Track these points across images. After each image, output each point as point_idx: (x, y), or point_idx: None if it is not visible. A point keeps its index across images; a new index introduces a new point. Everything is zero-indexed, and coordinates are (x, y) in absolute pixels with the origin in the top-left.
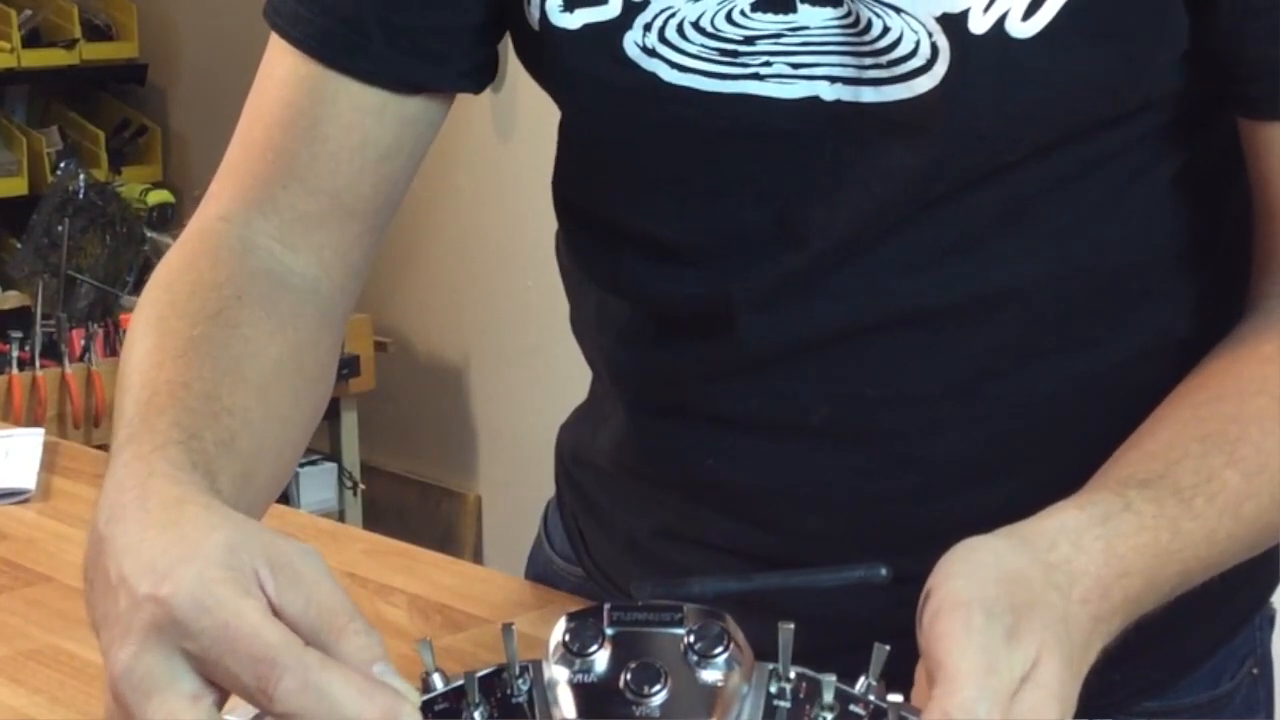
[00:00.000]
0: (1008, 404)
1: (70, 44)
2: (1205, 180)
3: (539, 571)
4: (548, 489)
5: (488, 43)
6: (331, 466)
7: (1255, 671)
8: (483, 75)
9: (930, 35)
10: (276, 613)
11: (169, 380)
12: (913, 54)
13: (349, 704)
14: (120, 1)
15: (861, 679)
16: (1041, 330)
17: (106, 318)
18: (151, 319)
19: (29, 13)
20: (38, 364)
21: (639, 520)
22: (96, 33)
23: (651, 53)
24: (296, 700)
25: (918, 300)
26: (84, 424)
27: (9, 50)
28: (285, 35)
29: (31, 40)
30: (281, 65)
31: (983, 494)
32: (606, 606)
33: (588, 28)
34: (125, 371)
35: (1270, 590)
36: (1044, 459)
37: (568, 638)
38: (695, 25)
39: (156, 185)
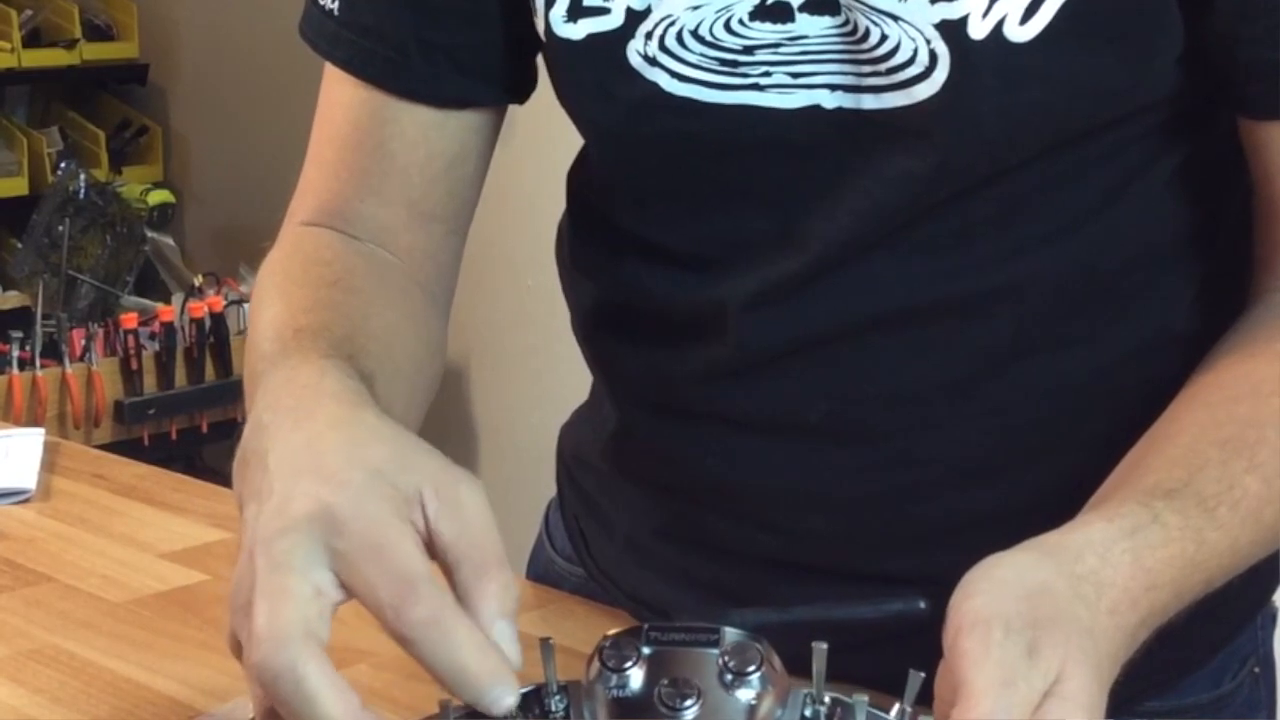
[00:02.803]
0: (1005, 402)
1: (71, 44)
2: (1202, 178)
3: (540, 571)
4: (548, 489)
5: (522, 56)
6: None
7: (1257, 671)
8: (523, 87)
9: (929, 42)
10: (430, 536)
11: (305, 326)
12: (911, 61)
13: (467, 654)
14: (121, 1)
15: (896, 706)
16: (1038, 328)
17: (107, 318)
18: (272, 293)
19: (29, 13)
20: (38, 364)
21: (639, 520)
22: (97, 33)
23: (653, 61)
24: (422, 630)
25: (915, 298)
26: (84, 424)
27: (9, 50)
28: (329, 58)
29: (32, 40)
30: (342, 88)
31: (982, 491)
32: (645, 626)
33: (591, 38)
34: (256, 332)
35: (1272, 589)
36: (1042, 456)
37: (605, 655)
38: (694, 34)
39: (157, 185)
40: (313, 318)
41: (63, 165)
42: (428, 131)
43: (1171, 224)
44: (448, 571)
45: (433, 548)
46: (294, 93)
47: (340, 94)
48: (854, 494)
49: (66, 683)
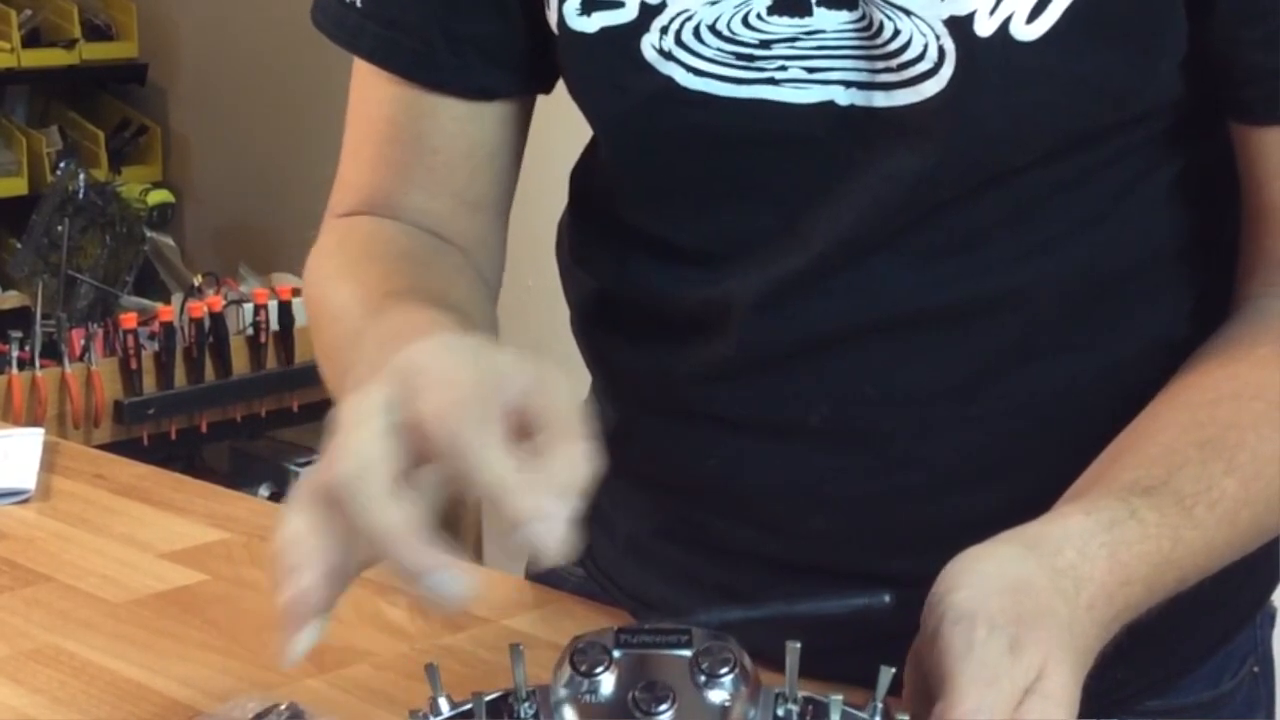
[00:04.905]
0: (1008, 405)
1: (70, 44)
2: (1206, 184)
3: (539, 571)
4: None
5: (549, 45)
6: None
7: (1256, 670)
8: (551, 77)
9: (938, 38)
10: (519, 408)
11: (393, 290)
12: (921, 57)
13: (497, 464)
14: (120, 1)
15: (869, 703)
16: (1042, 331)
17: (106, 318)
18: (336, 278)
19: (29, 12)
20: (38, 364)
21: (640, 520)
22: (96, 33)
23: (668, 56)
24: (467, 440)
25: (918, 301)
26: (84, 424)
27: (9, 50)
28: (353, 49)
29: (31, 40)
30: (374, 82)
31: (983, 494)
32: (614, 629)
33: (605, 31)
34: (335, 310)
35: (1270, 589)
36: (1044, 460)
37: (575, 660)
38: (711, 29)
39: (156, 185)
40: (397, 283)
41: (62, 165)
42: (465, 125)
43: (1175, 231)
44: (529, 434)
45: (518, 419)
46: (294, 93)
47: (373, 89)
48: (855, 495)
49: (66, 683)
